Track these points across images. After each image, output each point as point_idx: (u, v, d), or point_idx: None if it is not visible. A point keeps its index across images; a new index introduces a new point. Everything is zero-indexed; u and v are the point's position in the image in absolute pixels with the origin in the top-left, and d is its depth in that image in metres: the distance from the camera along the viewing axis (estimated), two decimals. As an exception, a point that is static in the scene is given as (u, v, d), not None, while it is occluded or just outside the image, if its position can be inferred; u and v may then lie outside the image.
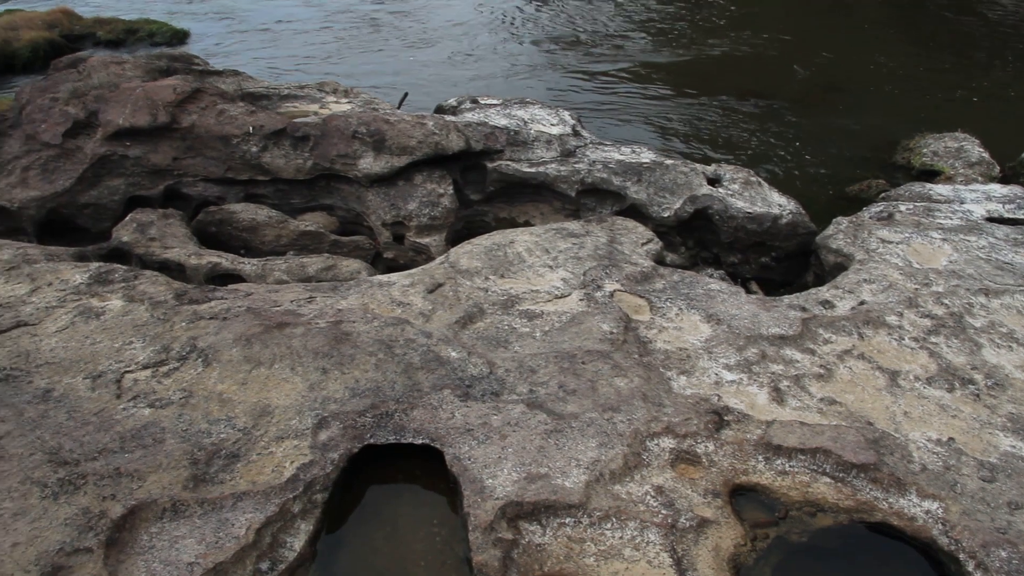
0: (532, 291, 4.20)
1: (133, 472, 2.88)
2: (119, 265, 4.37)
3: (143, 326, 3.77)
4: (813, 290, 4.51)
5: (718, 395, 3.53)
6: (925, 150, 7.61)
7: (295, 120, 5.76)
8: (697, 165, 6.01)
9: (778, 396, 3.56)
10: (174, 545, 2.67)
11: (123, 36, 11.31)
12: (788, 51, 11.07)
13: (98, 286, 4.10)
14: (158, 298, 3.98)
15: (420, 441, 3.14)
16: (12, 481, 2.75)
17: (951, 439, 3.32)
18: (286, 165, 5.65)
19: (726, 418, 3.38)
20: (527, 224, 6.04)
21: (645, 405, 3.37)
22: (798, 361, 3.79)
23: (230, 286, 4.27)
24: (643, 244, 4.88)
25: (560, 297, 4.16)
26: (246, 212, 5.47)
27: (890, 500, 3.04)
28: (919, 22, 12.46)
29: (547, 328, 3.87)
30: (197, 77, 6.31)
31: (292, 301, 3.99)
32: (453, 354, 3.59)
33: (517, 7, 13.36)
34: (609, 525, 2.86)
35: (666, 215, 5.60)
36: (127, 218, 5.14)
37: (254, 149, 5.61)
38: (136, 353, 3.58)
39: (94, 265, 4.31)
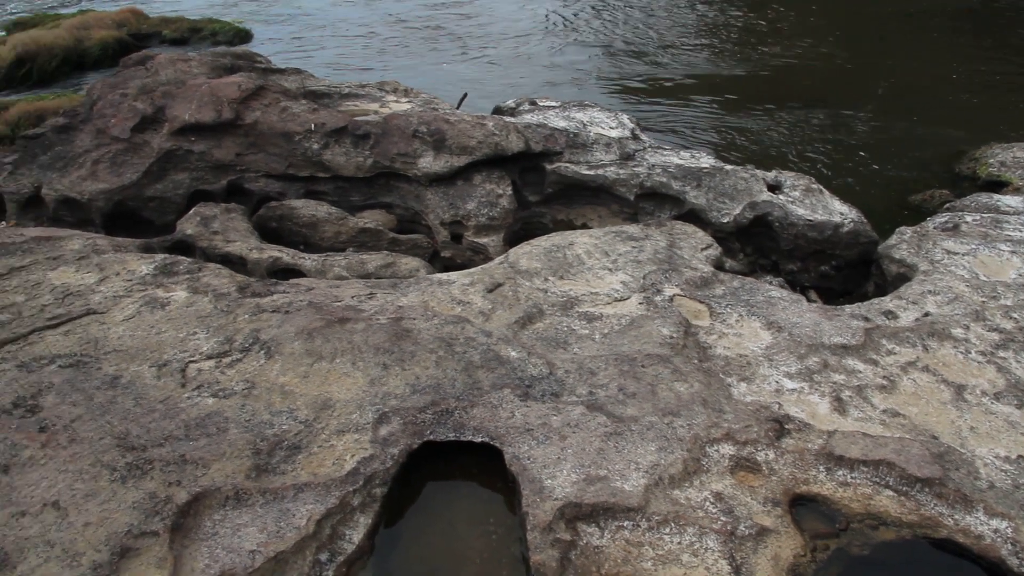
0: (591, 293, 4.18)
1: (198, 460, 2.93)
2: (183, 257, 4.45)
3: (207, 317, 3.83)
4: (876, 300, 4.43)
5: (779, 403, 3.48)
6: (992, 160, 7.44)
7: (356, 118, 5.82)
8: (757, 171, 5.94)
9: (840, 406, 3.50)
10: (236, 532, 2.70)
11: (187, 35, 11.54)
12: (854, 59, 10.91)
13: (163, 277, 4.18)
14: (221, 290, 4.05)
15: (480, 439, 3.15)
16: (84, 463, 2.82)
17: (1021, 456, 3.23)
18: (347, 163, 5.70)
19: (787, 426, 3.33)
20: (585, 226, 6.02)
21: (705, 411, 3.34)
22: (860, 371, 3.73)
23: (292, 280, 4.33)
24: (703, 249, 4.84)
25: (619, 300, 4.15)
26: (307, 208, 5.53)
27: (956, 517, 2.97)
28: (994, 29, 12.19)
29: (606, 330, 3.86)
30: (260, 75, 6.41)
31: (353, 297, 4.02)
32: (513, 354, 3.60)
33: (576, 14, 13.35)
34: (668, 530, 2.84)
35: (725, 221, 5.55)
36: (191, 212, 5.23)
37: (315, 146, 5.68)
38: (200, 343, 3.65)
39: (159, 256, 4.40)
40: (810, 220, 5.41)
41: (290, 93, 5.96)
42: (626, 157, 6.11)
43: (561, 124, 6.46)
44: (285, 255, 4.82)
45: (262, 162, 5.74)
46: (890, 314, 4.22)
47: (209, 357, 3.55)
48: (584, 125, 6.54)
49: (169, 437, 3.03)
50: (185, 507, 2.74)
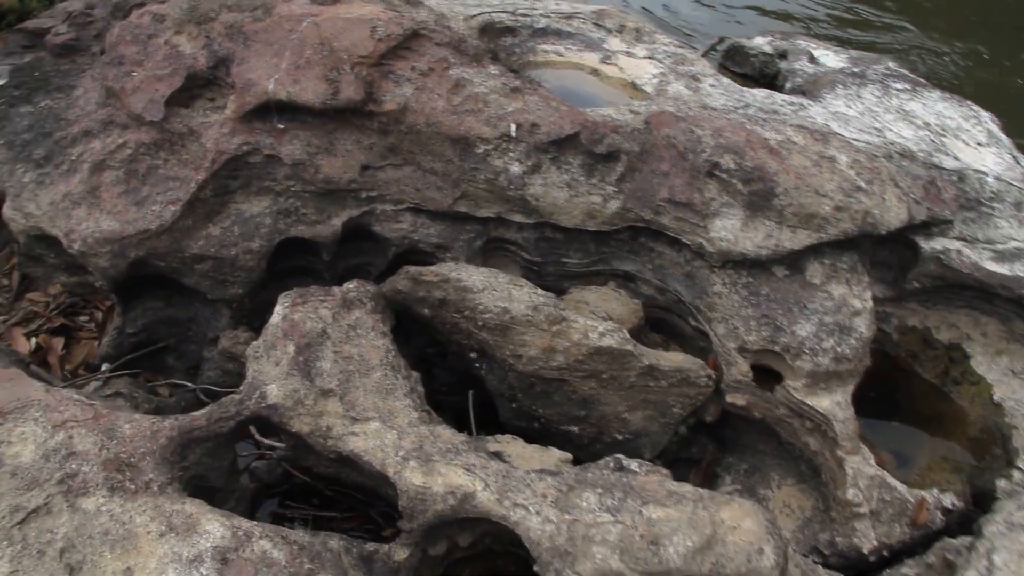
0: None
1: None
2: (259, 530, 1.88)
3: None
4: None
5: None
6: None
7: (591, 119, 3.03)
8: None
9: None
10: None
11: None
12: None
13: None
14: None
15: None
16: None
17: None
18: (569, 203, 3.00)
19: None
20: (956, 348, 3.36)
21: None
22: None
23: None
24: None
25: None
26: (491, 294, 2.87)
27: None
28: None
29: None
30: None
31: None
32: None
33: None
34: None
35: None
36: (273, 323, 2.58)
37: (516, 168, 2.95)
38: None
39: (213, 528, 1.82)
40: None
41: (463, 46, 3.13)
42: (1048, 227, 3.37)
43: (904, 131, 3.69)
44: (479, 489, 2.22)
45: (409, 184, 3.02)
46: None
47: None
48: (940, 136, 3.76)
49: None
50: None
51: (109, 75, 3.07)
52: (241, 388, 2.43)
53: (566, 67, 3.69)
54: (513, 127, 2.96)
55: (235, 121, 2.91)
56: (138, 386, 2.90)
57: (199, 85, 3.02)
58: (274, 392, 2.38)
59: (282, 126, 2.95)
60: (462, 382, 3.12)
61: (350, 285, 2.79)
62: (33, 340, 2.98)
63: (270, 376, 2.44)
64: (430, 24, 3.11)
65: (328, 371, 2.48)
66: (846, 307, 2.93)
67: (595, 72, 3.69)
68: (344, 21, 3.02)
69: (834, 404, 2.86)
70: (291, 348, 2.49)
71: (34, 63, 3.50)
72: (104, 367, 2.97)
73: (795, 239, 2.90)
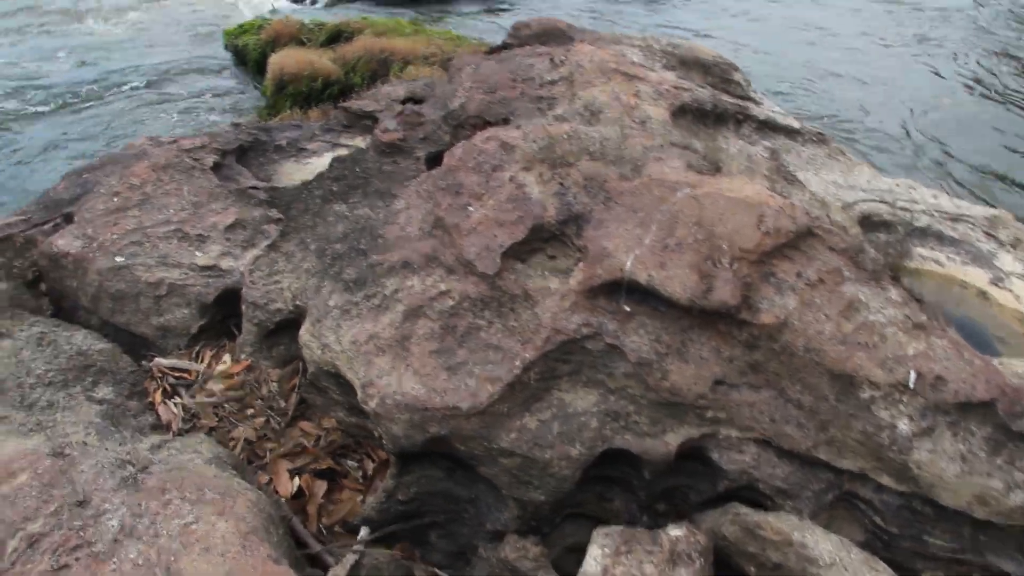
0: None
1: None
2: None
3: None
4: None
5: None
6: None
7: (1012, 385, 2.38)
8: None
9: None
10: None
11: None
12: None
13: None
14: None
15: None
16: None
17: None
18: (958, 481, 2.36)
19: None
20: None
21: None
22: None
23: None
24: None
25: None
26: (839, 572, 2.28)
27: None
28: None
29: None
30: (774, 164, 2.99)
31: None
32: None
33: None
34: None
35: None
36: (588, 573, 2.06)
37: (904, 426, 2.34)
38: None
39: None
40: None
41: (861, 257, 2.55)
42: None
43: None
44: None
45: (764, 413, 2.46)
46: None
47: None
48: None
49: None
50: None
51: (443, 203, 2.69)
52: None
53: (946, 281, 3.04)
54: (913, 376, 2.35)
55: (579, 294, 2.45)
56: (399, 569, 2.47)
57: (542, 239, 2.58)
58: None
59: (629, 308, 2.46)
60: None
61: (678, 533, 2.25)
62: (296, 480, 2.62)
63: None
64: (824, 223, 2.56)
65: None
66: None
67: (982, 295, 3.02)
68: (726, 200, 2.52)
69: None
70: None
71: (356, 156, 3.21)
72: (363, 532, 2.56)
73: None
